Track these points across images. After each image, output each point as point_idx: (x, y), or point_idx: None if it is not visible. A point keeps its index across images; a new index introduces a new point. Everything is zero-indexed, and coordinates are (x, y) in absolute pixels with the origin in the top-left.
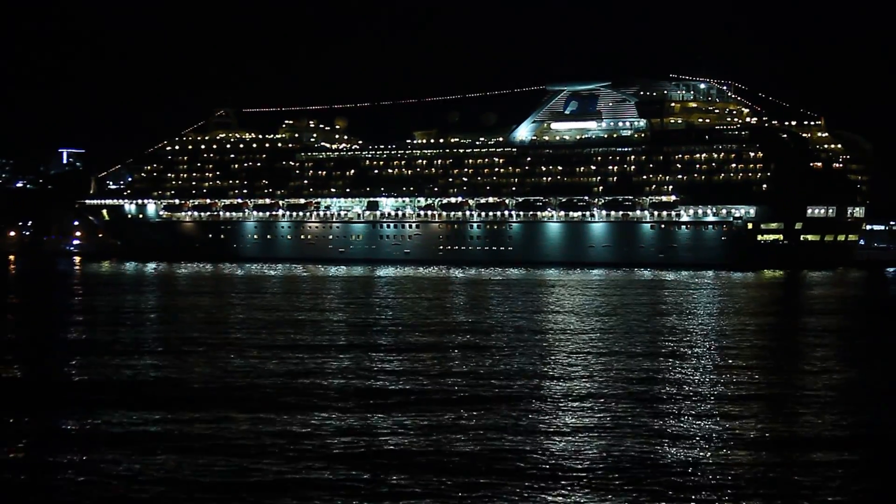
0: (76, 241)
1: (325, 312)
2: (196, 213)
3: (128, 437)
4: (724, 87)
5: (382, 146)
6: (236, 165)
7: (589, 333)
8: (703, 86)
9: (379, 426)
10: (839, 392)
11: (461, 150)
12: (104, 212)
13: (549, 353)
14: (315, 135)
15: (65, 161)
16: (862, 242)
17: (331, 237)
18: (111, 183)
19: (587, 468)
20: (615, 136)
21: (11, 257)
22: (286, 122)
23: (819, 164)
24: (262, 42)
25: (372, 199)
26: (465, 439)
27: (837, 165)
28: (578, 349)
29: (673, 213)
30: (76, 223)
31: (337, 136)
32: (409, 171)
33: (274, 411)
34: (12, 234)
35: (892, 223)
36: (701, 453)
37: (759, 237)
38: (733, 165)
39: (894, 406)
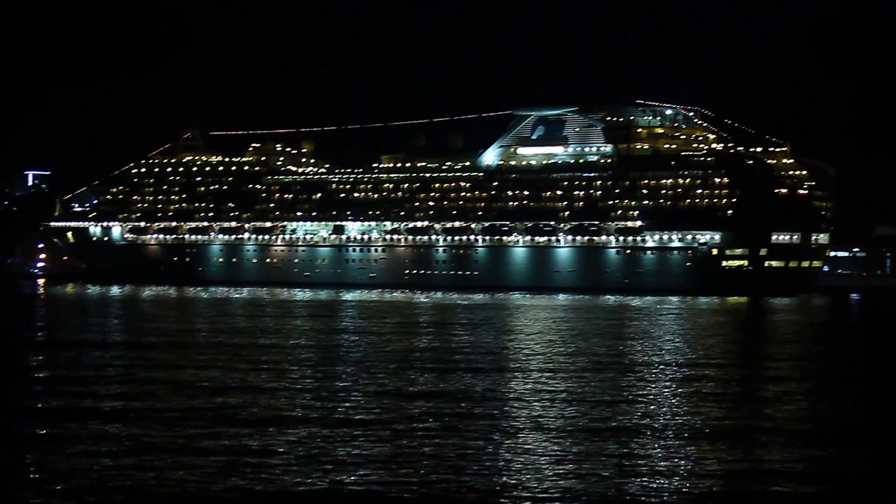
0: (40, 264)
1: (289, 337)
2: (161, 236)
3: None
4: (691, 114)
5: (349, 170)
6: (202, 188)
7: (551, 358)
8: (669, 112)
9: (338, 450)
10: (800, 423)
11: (428, 175)
12: (69, 234)
13: (511, 378)
14: (282, 158)
15: (30, 183)
16: (826, 269)
17: (296, 261)
18: (76, 205)
19: (547, 497)
20: (581, 161)
21: None
22: (253, 145)
23: (784, 190)
24: (229, 65)
25: (338, 222)
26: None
27: (802, 192)
28: (540, 374)
29: (638, 238)
30: (41, 245)
31: (303, 160)
32: (376, 195)
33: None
34: None
35: (855, 250)
36: (661, 483)
37: (724, 263)
38: (699, 191)
39: (857, 440)
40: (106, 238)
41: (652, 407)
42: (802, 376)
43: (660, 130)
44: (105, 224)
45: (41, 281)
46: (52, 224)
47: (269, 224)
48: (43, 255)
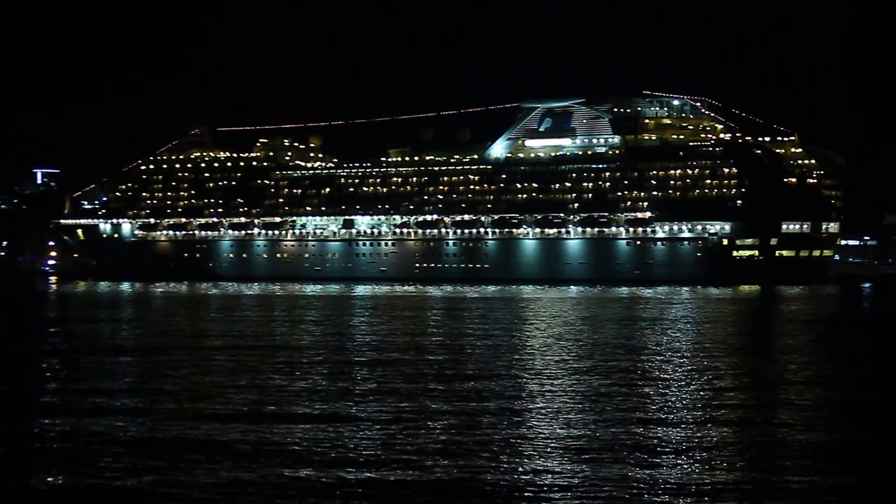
0: (51, 261)
1: (302, 332)
2: (171, 233)
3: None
4: (698, 104)
5: (357, 164)
6: (211, 184)
7: (565, 350)
8: (676, 102)
9: (350, 442)
10: (814, 410)
11: (436, 168)
12: (79, 231)
13: (524, 371)
14: (290, 153)
15: (39, 181)
16: (837, 257)
17: (307, 255)
18: (86, 202)
19: (563, 487)
20: (590, 152)
21: None
22: (261, 140)
23: (793, 179)
24: (236, 61)
25: (347, 217)
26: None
27: (811, 181)
28: (554, 366)
29: (648, 229)
30: (51, 243)
31: (312, 155)
32: (385, 189)
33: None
34: None
35: (866, 238)
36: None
37: (735, 253)
38: (708, 182)
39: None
40: (116, 235)
41: (667, 398)
42: (814, 363)
43: (668, 121)
44: (115, 221)
45: (52, 278)
46: (62, 222)
47: (278, 219)
48: (53, 253)
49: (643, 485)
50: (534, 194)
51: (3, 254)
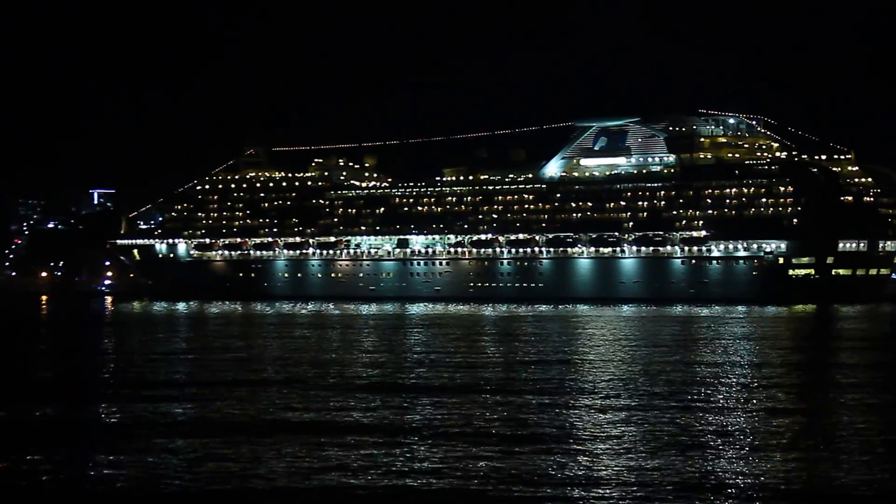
0: (108, 281)
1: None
2: (226, 252)
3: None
4: (754, 122)
5: (412, 183)
6: (266, 204)
7: (625, 370)
8: (732, 121)
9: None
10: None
11: (491, 187)
12: (135, 251)
13: (583, 391)
14: (344, 173)
15: (96, 201)
16: (894, 276)
17: (361, 275)
18: (142, 223)
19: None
20: (645, 171)
21: (44, 298)
22: (315, 160)
23: (849, 198)
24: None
25: (402, 236)
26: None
27: (868, 199)
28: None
29: (704, 248)
30: (107, 263)
31: (366, 174)
32: (439, 209)
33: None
34: (44, 274)
35: None
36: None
37: (791, 272)
38: (763, 200)
39: None
40: (172, 255)
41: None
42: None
43: (723, 139)
44: (170, 241)
45: (108, 298)
46: (119, 242)
47: (333, 239)
48: (110, 273)
49: None
50: (588, 213)
51: (59, 274)
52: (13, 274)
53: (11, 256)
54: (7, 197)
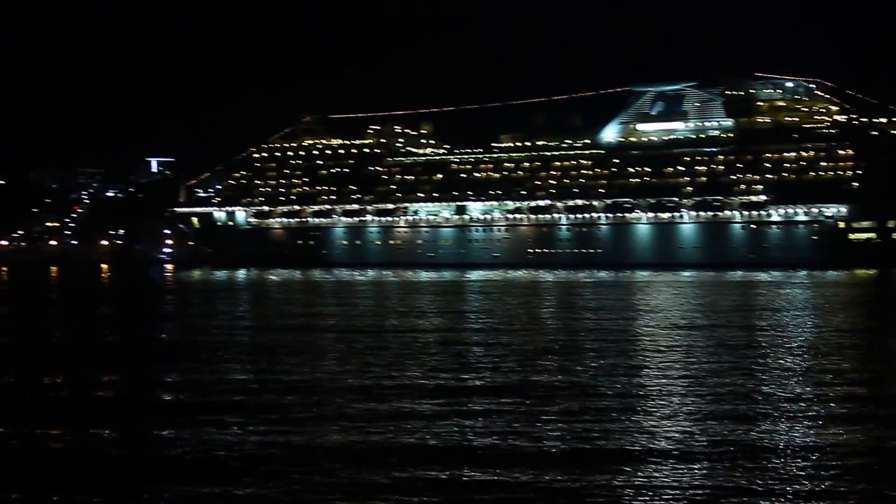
0: (167, 249)
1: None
2: (285, 220)
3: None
4: (812, 86)
5: (469, 150)
6: (324, 172)
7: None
8: (790, 84)
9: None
10: None
11: (548, 153)
12: (194, 220)
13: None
14: (401, 140)
15: (154, 170)
16: None
17: (419, 242)
18: (200, 191)
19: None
20: (702, 136)
21: (104, 266)
22: (372, 127)
23: None
24: (347, 47)
25: (460, 203)
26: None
27: None
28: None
29: (763, 212)
30: (167, 231)
31: (423, 141)
32: (497, 175)
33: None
34: (104, 242)
35: None
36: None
37: (851, 236)
38: (823, 164)
39: None
40: (230, 223)
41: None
42: None
43: (781, 103)
44: (229, 209)
45: (169, 266)
46: (178, 210)
47: (391, 206)
48: (169, 241)
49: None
50: (646, 178)
51: (119, 242)
52: (74, 242)
53: (72, 225)
54: (67, 165)
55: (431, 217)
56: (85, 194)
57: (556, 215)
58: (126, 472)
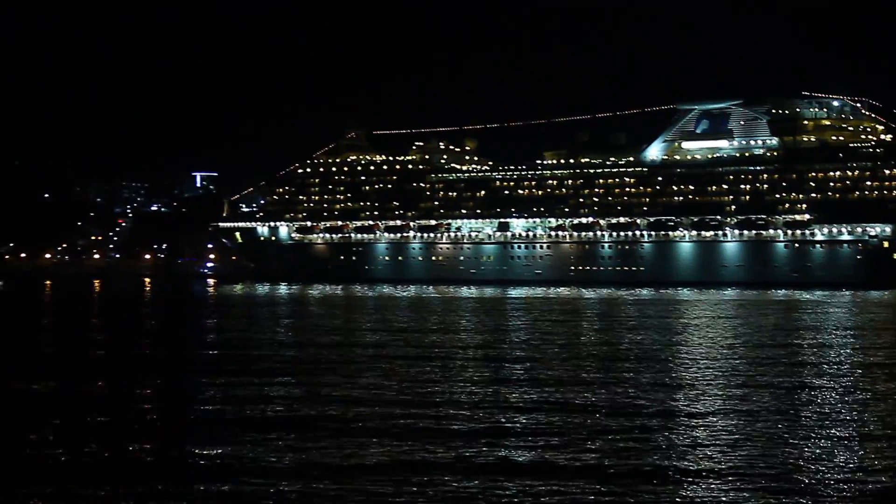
0: (210, 264)
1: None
2: (328, 235)
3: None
4: (858, 104)
5: (512, 167)
6: (367, 187)
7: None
8: (836, 103)
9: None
10: None
11: (591, 170)
12: (237, 234)
13: (685, 379)
14: (445, 156)
15: (198, 184)
16: None
17: (462, 258)
18: (244, 206)
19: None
20: (747, 154)
21: (147, 280)
22: (416, 143)
23: None
24: (391, 63)
25: (502, 219)
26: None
27: None
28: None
29: (807, 231)
30: (210, 245)
31: (467, 157)
32: (540, 192)
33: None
34: (147, 256)
35: None
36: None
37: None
38: (867, 183)
39: None
40: (273, 238)
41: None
42: None
43: (827, 122)
44: (272, 224)
45: (211, 281)
46: (221, 224)
47: (433, 222)
48: (212, 255)
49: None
50: (690, 196)
51: (162, 256)
52: (117, 256)
53: (115, 238)
54: (111, 179)
55: (474, 233)
56: (129, 208)
57: (598, 233)
58: (160, 481)
